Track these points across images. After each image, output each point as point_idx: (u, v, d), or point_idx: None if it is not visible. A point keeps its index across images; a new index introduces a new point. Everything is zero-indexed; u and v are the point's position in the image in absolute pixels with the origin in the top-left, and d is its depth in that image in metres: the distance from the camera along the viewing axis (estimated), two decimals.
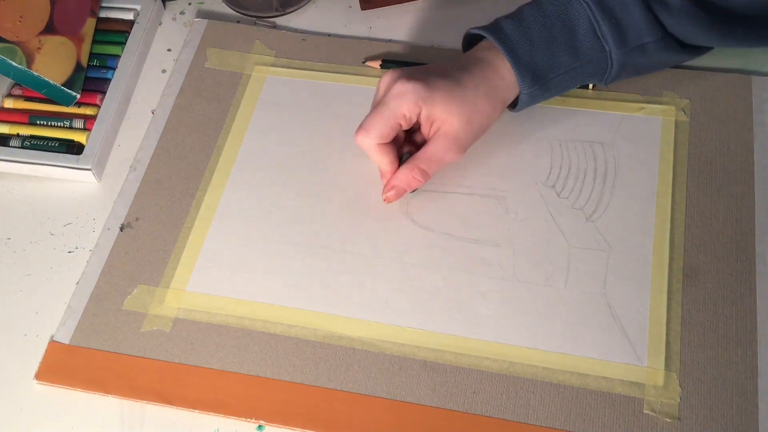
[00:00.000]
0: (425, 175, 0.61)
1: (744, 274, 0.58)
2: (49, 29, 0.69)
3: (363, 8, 0.76)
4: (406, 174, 0.61)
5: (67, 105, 0.71)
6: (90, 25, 0.74)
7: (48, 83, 0.68)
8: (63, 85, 0.69)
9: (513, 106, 0.64)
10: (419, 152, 0.62)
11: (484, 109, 0.61)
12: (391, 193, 0.62)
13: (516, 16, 0.62)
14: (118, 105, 0.71)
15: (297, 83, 0.72)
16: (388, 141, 0.61)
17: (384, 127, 0.60)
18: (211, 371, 0.58)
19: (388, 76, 0.61)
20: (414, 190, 0.64)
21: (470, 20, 0.75)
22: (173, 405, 0.56)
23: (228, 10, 0.79)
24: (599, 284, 0.59)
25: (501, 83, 0.61)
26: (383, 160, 0.61)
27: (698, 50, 0.65)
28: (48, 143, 0.69)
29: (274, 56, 0.73)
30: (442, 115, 0.60)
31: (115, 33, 0.76)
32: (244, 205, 0.65)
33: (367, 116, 0.61)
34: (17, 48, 0.67)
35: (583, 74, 0.63)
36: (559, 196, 0.63)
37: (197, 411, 0.56)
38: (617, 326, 0.57)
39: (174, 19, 0.79)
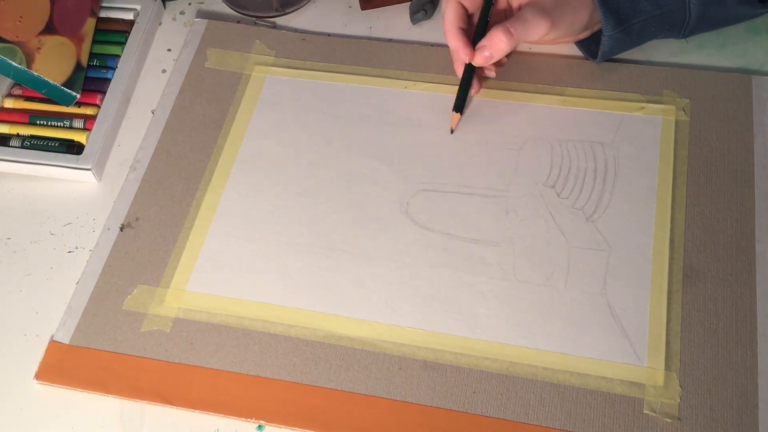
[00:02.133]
0: (509, 34, 0.62)
1: (744, 274, 0.58)
2: (49, 29, 0.69)
3: (363, 8, 0.76)
4: (493, 34, 0.62)
5: (67, 105, 0.71)
6: (90, 25, 0.74)
7: (48, 83, 0.68)
8: (63, 85, 0.69)
9: (594, 56, 0.67)
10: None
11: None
12: (480, 52, 0.63)
13: None
14: (118, 105, 0.71)
15: (297, 83, 0.72)
16: (470, 6, 0.65)
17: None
18: (211, 371, 0.58)
19: None
20: (499, 66, 0.67)
21: None
22: (173, 405, 0.56)
23: (228, 10, 0.79)
24: (599, 284, 0.59)
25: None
26: (452, 19, 0.64)
27: None
28: (48, 143, 0.69)
29: (274, 56, 0.73)
30: None
31: (115, 33, 0.76)
32: (244, 205, 0.65)
33: None
34: (17, 48, 0.67)
35: (662, 23, 0.65)
36: (559, 196, 0.63)
37: (197, 411, 0.56)
38: (617, 326, 0.57)
39: (174, 19, 0.79)
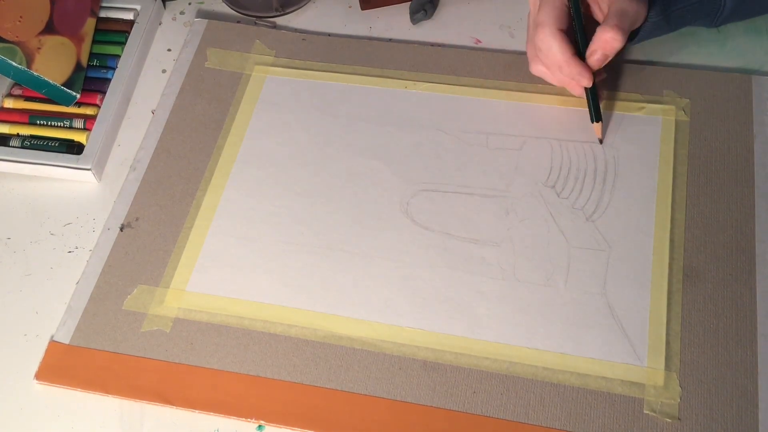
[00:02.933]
0: (617, 28, 0.61)
1: (744, 275, 0.58)
2: (49, 29, 0.69)
3: (363, 8, 0.76)
4: (601, 35, 0.62)
5: (67, 105, 0.71)
6: (90, 25, 0.74)
7: (48, 83, 0.68)
8: (63, 85, 0.69)
9: (631, 39, 0.66)
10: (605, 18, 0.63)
11: None
12: (594, 57, 0.63)
13: None
14: (118, 105, 0.71)
15: (297, 83, 0.72)
16: (563, 26, 0.63)
17: (553, 10, 0.62)
18: (211, 371, 0.58)
19: None
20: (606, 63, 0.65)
21: (471, 20, 0.75)
22: (173, 405, 0.56)
23: (228, 10, 0.79)
24: (599, 284, 0.59)
25: None
26: (563, 48, 0.62)
27: None
28: (48, 143, 0.69)
29: (274, 56, 0.73)
30: None
31: (115, 33, 0.76)
32: (244, 205, 0.65)
33: (536, 17, 0.64)
34: (17, 48, 0.67)
35: (698, 11, 0.65)
36: (559, 196, 0.63)
37: (197, 411, 0.56)
38: (617, 326, 0.57)
39: (174, 19, 0.79)
